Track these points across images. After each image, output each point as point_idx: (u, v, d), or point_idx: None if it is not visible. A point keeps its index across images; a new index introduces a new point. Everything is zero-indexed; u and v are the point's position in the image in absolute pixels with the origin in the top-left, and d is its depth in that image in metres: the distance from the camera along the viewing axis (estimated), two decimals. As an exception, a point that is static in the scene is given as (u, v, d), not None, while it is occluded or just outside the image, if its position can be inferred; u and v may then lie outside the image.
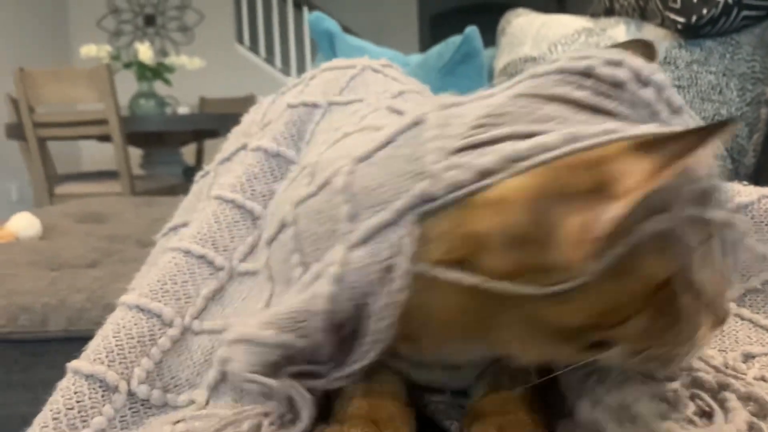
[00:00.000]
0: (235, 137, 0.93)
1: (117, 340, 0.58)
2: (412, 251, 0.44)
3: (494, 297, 0.41)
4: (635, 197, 0.36)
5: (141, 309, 0.61)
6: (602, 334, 0.42)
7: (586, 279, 0.38)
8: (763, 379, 0.55)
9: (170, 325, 0.61)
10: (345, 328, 0.50)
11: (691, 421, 0.47)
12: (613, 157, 0.38)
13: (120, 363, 0.57)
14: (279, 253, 0.61)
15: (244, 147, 0.87)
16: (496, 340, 0.45)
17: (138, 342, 0.59)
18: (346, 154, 0.56)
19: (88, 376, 0.56)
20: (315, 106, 0.82)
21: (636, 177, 0.36)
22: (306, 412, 0.50)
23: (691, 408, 0.49)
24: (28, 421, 0.55)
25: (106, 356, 0.57)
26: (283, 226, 0.61)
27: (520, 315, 0.42)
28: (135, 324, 0.60)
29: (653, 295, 0.40)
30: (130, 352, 0.58)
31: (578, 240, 0.37)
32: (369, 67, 0.89)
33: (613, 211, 0.37)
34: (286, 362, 0.52)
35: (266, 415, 0.51)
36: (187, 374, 0.60)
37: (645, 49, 0.49)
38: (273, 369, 0.52)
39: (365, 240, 0.47)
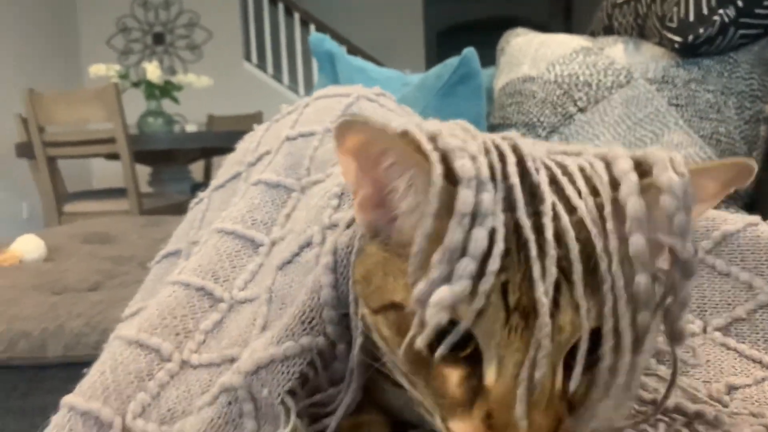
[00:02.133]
0: (229, 165, 0.94)
1: (114, 376, 0.59)
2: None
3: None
4: None
5: (140, 344, 0.61)
6: None
7: None
8: (745, 410, 0.55)
9: (169, 360, 0.61)
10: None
11: None
12: None
13: (116, 399, 0.58)
14: (295, 275, 0.62)
15: (238, 175, 0.88)
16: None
17: (135, 377, 0.59)
18: None
19: (83, 413, 0.56)
20: (312, 134, 0.83)
21: None
22: None
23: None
24: (25, 447, 0.56)
25: (102, 392, 0.58)
26: (307, 246, 0.63)
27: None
28: (133, 360, 0.60)
29: None
30: (126, 387, 0.58)
31: None
32: (364, 97, 0.90)
33: None
34: (306, 392, 0.55)
35: None
36: (183, 406, 0.60)
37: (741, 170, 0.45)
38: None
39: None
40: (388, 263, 0.47)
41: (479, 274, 0.39)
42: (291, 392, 0.53)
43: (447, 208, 0.41)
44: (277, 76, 6.01)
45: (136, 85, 3.94)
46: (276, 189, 0.75)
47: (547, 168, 0.45)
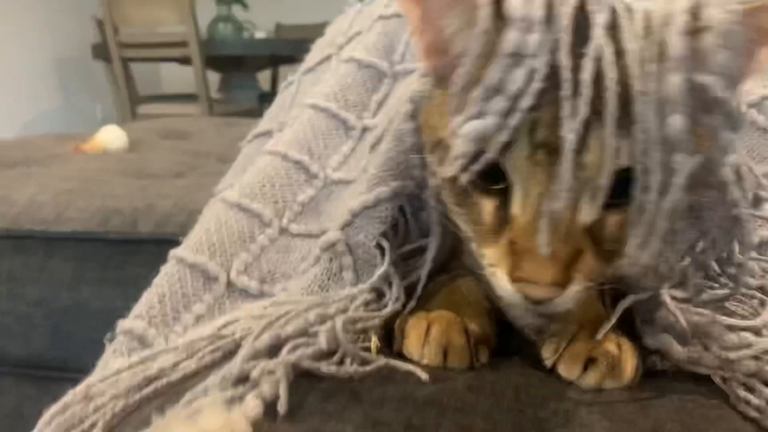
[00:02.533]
0: (319, 49, 0.93)
1: (218, 235, 0.61)
2: None
3: None
4: None
5: (242, 208, 0.63)
6: None
7: None
8: None
9: (269, 225, 0.63)
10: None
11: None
12: None
13: (220, 255, 0.60)
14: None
15: (329, 57, 0.87)
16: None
17: (238, 237, 0.62)
18: None
19: (191, 265, 0.59)
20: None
21: None
22: (393, 301, 0.53)
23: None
24: (121, 313, 0.59)
25: (208, 248, 0.60)
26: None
27: None
28: (236, 221, 0.63)
29: None
30: (230, 246, 0.61)
31: None
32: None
33: None
34: (396, 241, 0.57)
35: (352, 299, 0.53)
36: (283, 269, 0.62)
37: None
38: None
39: None
40: (444, 104, 0.49)
41: (511, 110, 0.41)
42: (384, 236, 0.56)
43: (494, 49, 0.42)
44: (346, -15, 5.88)
45: (207, -12, 3.92)
46: (368, 69, 0.74)
47: (613, 11, 0.44)
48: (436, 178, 0.51)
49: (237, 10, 4.02)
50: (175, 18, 3.27)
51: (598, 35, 0.43)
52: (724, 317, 0.48)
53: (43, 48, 4.37)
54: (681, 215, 0.44)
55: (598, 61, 0.42)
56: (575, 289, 0.44)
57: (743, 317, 0.49)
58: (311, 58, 0.91)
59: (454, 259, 0.57)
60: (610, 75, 0.41)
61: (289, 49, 3.72)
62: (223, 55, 3.73)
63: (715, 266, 0.57)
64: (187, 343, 0.51)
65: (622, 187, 0.43)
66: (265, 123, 0.92)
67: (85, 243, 1.07)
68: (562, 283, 0.44)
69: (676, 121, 0.40)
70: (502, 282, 0.46)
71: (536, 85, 0.41)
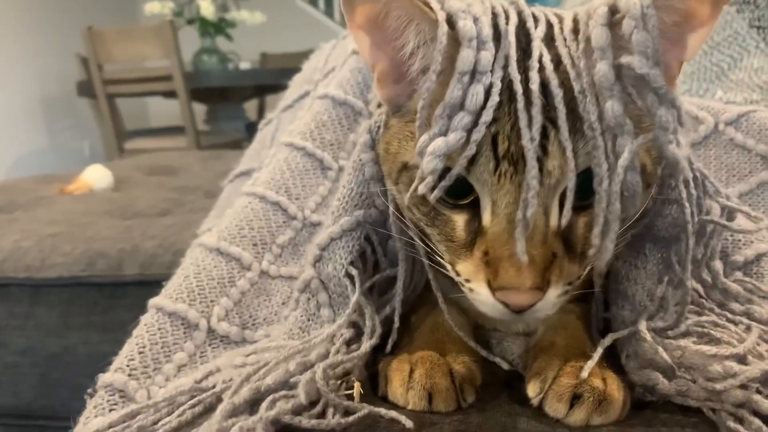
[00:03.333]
0: (297, 85, 0.93)
1: (198, 281, 0.61)
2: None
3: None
4: None
5: (221, 252, 0.63)
6: None
7: None
8: None
9: (249, 268, 0.63)
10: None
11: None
12: None
13: (200, 302, 0.59)
14: None
15: (306, 94, 0.87)
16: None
17: (218, 283, 0.61)
18: None
19: (171, 314, 0.58)
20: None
21: None
22: (368, 336, 0.53)
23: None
24: (109, 358, 0.58)
25: (188, 295, 0.59)
26: None
27: None
28: (215, 266, 0.62)
29: None
30: (210, 292, 0.60)
31: None
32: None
33: None
34: (366, 272, 0.58)
35: (332, 340, 0.52)
36: (264, 314, 0.62)
37: None
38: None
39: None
40: (402, 130, 0.52)
41: (473, 126, 0.44)
42: (353, 264, 0.57)
43: (451, 66, 0.44)
44: (329, 11, 5.93)
45: (190, 22, 3.94)
46: (343, 107, 0.74)
47: (549, 24, 0.48)
48: (403, 203, 0.52)
49: (221, 42, 4.04)
50: (159, 52, 3.28)
51: (537, 47, 0.46)
52: (707, 347, 0.47)
53: (27, 87, 4.38)
54: (638, 203, 0.45)
55: (542, 71, 0.45)
56: (554, 293, 0.46)
57: (729, 344, 0.48)
58: (289, 94, 0.91)
59: (430, 291, 0.56)
60: (554, 82, 0.44)
61: (274, 78, 3.74)
62: (208, 87, 3.74)
63: (700, 290, 0.57)
64: (167, 398, 0.50)
65: (586, 189, 0.44)
66: (245, 162, 0.91)
67: (70, 288, 1.06)
68: (542, 287, 0.45)
69: (612, 107, 0.42)
70: (482, 295, 0.47)
71: (494, 99, 0.44)
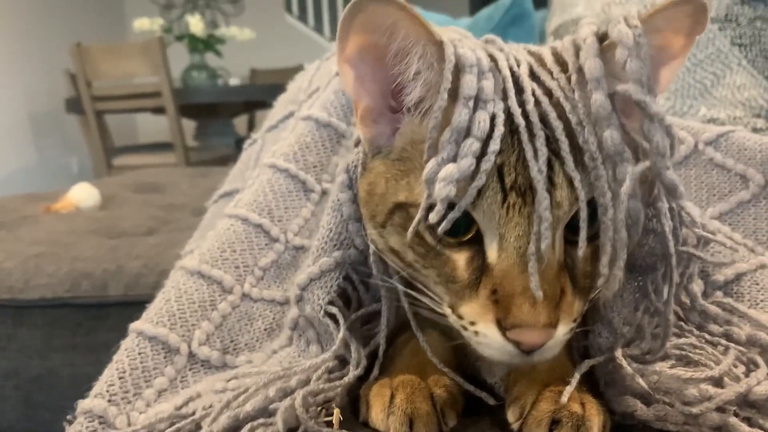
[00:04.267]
0: (281, 105, 0.94)
1: (179, 305, 0.60)
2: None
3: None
4: None
5: (202, 275, 0.62)
6: None
7: None
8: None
9: (230, 292, 0.63)
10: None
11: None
12: None
13: (181, 326, 0.59)
14: None
15: (291, 114, 0.87)
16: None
17: (199, 306, 0.61)
18: None
19: (151, 338, 0.58)
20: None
21: None
22: (354, 367, 0.53)
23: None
24: (92, 380, 0.58)
25: (168, 319, 0.59)
26: None
27: None
28: (196, 290, 0.62)
29: None
30: (191, 316, 0.60)
31: None
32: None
33: None
34: (350, 309, 0.58)
35: (315, 369, 0.52)
36: (246, 339, 0.61)
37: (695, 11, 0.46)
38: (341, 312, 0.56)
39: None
40: (389, 170, 0.51)
41: (482, 153, 0.43)
42: (332, 304, 0.57)
43: (453, 93, 0.44)
44: (318, 27, 5.95)
45: (179, 38, 3.95)
46: (326, 129, 0.74)
47: (527, 62, 0.48)
48: (387, 247, 0.51)
49: (210, 58, 4.04)
50: (148, 69, 3.28)
51: (527, 82, 0.46)
52: (682, 370, 0.47)
53: (15, 103, 4.36)
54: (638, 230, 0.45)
55: (538, 105, 0.45)
56: (563, 330, 0.45)
57: (706, 366, 0.49)
58: (273, 115, 0.92)
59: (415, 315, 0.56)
60: (552, 114, 0.44)
61: (264, 94, 3.75)
62: (197, 103, 3.74)
63: (679, 312, 0.57)
64: (147, 425, 0.49)
65: (588, 221, 0.44)
66: (229, 182, 0.91)
67: (54, 309, 1.05)
68: (554, 324, 0.44)
69: (610, 135, 0.43)
70: (489, 337, 0.45)
71: (500, 129, 0.44)
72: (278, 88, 1.02)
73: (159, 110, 3.54)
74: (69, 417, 0.56)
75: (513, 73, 0.47)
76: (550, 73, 0.47)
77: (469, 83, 0.44)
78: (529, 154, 0.44)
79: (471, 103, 0.44)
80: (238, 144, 3.99)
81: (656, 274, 0.50)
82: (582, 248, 0.44)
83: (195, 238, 0.87)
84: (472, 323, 0.46)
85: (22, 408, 1.07)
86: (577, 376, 0.47)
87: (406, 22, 0.45)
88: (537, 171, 0.43)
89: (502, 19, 1.43)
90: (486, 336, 0.45)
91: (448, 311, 0.48)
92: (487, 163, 0.43)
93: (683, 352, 0.51)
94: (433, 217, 0.44)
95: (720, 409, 0.45)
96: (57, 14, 4.84)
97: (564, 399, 0.45)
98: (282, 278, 0.65)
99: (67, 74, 3.67)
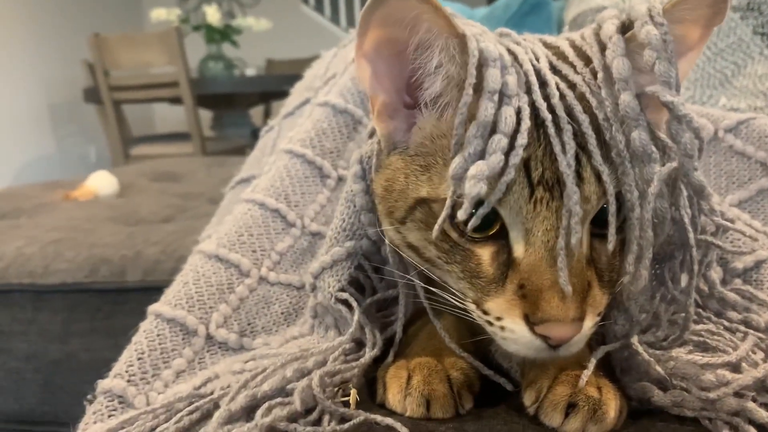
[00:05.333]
0: (298, 92, 0.94)
1: (197, 287, 0.61)
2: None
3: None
4: None
5: (220, 259, 0.63)
6: None
7: None
8: None
9: (248, 275, 0.63)
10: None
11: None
12: None
13: (199, 308, 0.60)
14: None
15: (307, 101, 0.87)
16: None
17: (217, 289, 0.61)
18: None
19: (170, 320, 0.58)
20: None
21: None
22: (370, 348, 0.53)
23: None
24: (111, 364, 0.58)
25: (186, 302, 0.60)
26: None
27: None
28: (214, 273, 0.62)
29: None
30: (209, 299, 0.60)
31: None
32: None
33: None
34: (362, 291, 0.59)
35: (332, 351, 0.52)
36: (263, 322, 0.62)
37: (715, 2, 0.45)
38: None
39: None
40: (409, 166, 0.50)
41: (510, 148, 0.43)
42: (345, 292, 0.57)
43: (476, 87, 0.44)
44: (335, 18, 5.95)
45: (196, 29, 3.96)
46: (343, 115, 0.74)
47: (545, 55, 0.48)
48: (404, 243, 0.51)
49: (227, 48, 4.06)
50: (165, 59, 3.30)
51: (549, 76, 0.46)
52: (699, 356, 0.47)
53: (34, 93, 4.41)
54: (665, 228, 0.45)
55: (563, 98, 0.45)
56: (589, 324, 0.45)
57: (724, 352, 0.48)
58: (290, 102, 0.92)
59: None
60: (577, 108, 0.44)
61: (280, 84, 3.75)
62: (214, 94, 3.76)
63: (698, 299, 0.57)
64: (165, 404, 0.50)
65: (607, 217, 0.44)
66: (246, 169, 0.92)
67: (73, 294, 1.07)
68: (582, 318, 0.44)
69: (639, 135, 0.42)
70: (516, 332, 0.45)
71: (527, 123, 0.43)
72: (294, 79, 1.02)
73: (176, 100, 3.56)
74: (89, 397, 0.57)
75: (534, 67, 0.47)
76: (573, 67, 0.47)
77: (493, 77, 0.43)
78: (557, 148, 0.43)
79: (496, 98, 0.43)
80: (254, 134, 4.01)
81: (674, 262, 0.49)
82: (612, 242, 0.44)
83: (212, 224, 0.88)
84: (498, 318, 0.46)
85: (42, 391, 1.08)
86: (593, 361, 0.46)
87: (430, 15, 0.45)
88: (566, 165, 0.43)
89: (521, 8, 1.42)
90: (513, 331, 0.45)
91: (472, 307, 0.48)
92: (516, 158, 0.43)
93: (701, 338, 0.51)
94: (461, 215, 0.43)
95: (737, 395, 0.45)
96: (75, 5, 4.88)
97: (582, 383, 0.45)
98: (298, 263, 0.66)
99: (85, 64, 3.70)
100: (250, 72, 4.23)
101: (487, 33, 0.48)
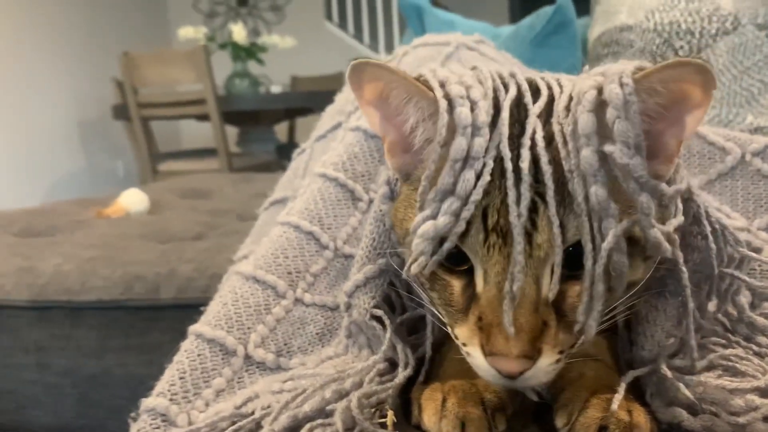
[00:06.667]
0: (329, 116, 0.96)
1: (235, 308, 0.63)
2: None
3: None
4: None
5: (257, 280, 0.65)
6: None
7: None
8: None
9: (284, 296, 0.65)
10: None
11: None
12: None
13: (238, 329, 0.62)
14: None
15: (339, 125, 0.89)
16: None
17: (254, 310, 0.63)
18: None
19: (210, 340, 0.60)
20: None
21: None
22: (402, 368, 0.55)
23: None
24: (145, 380, 0.60)
25: (225, 322, 0.62)
26: None
27: None
28: (251, 294, 0.64)
29: None
30: (247, 319, 0.62)
31: None
32: (464, 45, 0.90)
33: None
34: (395, 313, 0.60)
35: (367, 372, 0.54)
36: (299, 342, 0.64)
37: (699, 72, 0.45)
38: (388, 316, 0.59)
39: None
40: (408, 197, 0.54)
41: (463, 207, 0.46)
42: (378, 308, 0.59)
43: (452, 137, 0.47)
44: (358, 35, 6.01)
45: (222, 47, 4.04)
46: (374, 139, 0.76)
47: (551, 98, 0.50)
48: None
49: (253, 66, 4.12)
50: (193, 76, 3.36)
51: (532, 123, 0.48)
52: (728, 380, 0.48)
53: (65, 110, 4.51)
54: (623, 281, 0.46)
55: (533, 148, 0.47)
56: (546, 361, 0.47)
57: (753, 377, 0.49)
58: (322, 125, 0.94)
59: None
60: (544, 159, 0.46)
61: (304, 101, 3.82)
62: (240, 110, 3.82)
63: (726, 323, 0.58)
64: (209, 423, 0.52)
65: (580, 259, 0.46)
66: (280, 190, 0.94)
67: (109, 311, 1.10)
68: (531, 356, 0.46)
69: (595, 192, 0.44)
70: (477, 359, 0.48)
71: (485, 179, 0.46)
72: (318, 96, 1.04)
73: (203, 117, 3.62)
74: (132, 414, 0.59)
75: (525, 112, 0.49)
76: (558, 116, 0.48)
77: (458, 146, 0.46)
78: (511, 199, 0.46)
79: (458, 165, 0.46)
80: (279, 150, 4.07)
81: (700, 293, 0.50)
82: (553, 291, 0.46)
83: (247, 243, 0.90)
84: (464, 344, 0.50)
85: (79, 405, 1.11)
86: (623, 385, 0.48)
87: (396, 84, 0.50)
88: (515, 216, 0.45)
89: (545, 27, 1.43)
90: (474, 358, 0.49)
91: (449, 329, 0.52)
92: (467, 212, 0.46)
93: (730, 363, 0.51)
94: (414, 268, 0.49)
95: (766, 420, 0.46)
96: (105, 24, 4.99)
97: (614, 406, 0.46)
98: (332, 285, 0.68)
99: (114, 82, 3.78)
100: (276, 89, 4.29)
101: (475, 87, 0.50)
